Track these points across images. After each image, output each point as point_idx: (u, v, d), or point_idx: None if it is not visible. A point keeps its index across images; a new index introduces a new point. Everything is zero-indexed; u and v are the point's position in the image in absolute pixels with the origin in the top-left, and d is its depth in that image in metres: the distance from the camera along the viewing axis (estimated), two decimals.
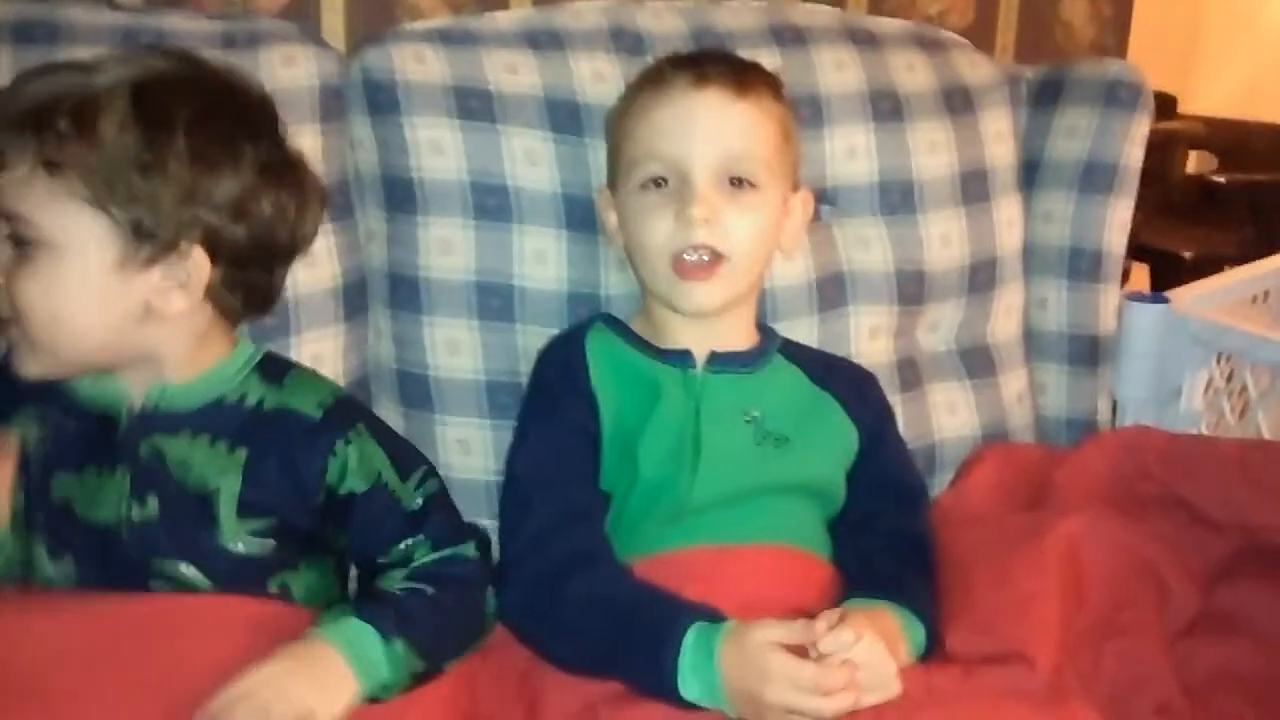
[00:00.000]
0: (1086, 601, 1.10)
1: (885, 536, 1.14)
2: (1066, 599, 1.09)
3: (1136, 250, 2.57)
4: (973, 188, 1.39)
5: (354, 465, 1.02)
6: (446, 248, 1.22)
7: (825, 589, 1.10)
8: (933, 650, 1.06)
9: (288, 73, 1.20)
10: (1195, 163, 3.48)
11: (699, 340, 1.16)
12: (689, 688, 0.96)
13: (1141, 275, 2.92)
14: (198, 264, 0.98)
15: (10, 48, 1.14)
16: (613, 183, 1.20)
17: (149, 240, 0.96)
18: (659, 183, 1.13)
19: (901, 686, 0.96)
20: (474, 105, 1.23)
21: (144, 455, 0.99)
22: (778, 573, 1.09)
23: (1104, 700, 1.04)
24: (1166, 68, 2.98)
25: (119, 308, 0.97)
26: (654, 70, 1.18)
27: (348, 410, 1.07)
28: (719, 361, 1.16)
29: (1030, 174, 1.46)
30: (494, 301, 1.23)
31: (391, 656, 0.95)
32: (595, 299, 1.25)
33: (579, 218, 1.25)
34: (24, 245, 0.95)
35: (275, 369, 1.06)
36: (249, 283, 1.03)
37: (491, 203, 1.23)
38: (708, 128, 1.12)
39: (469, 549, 1.06)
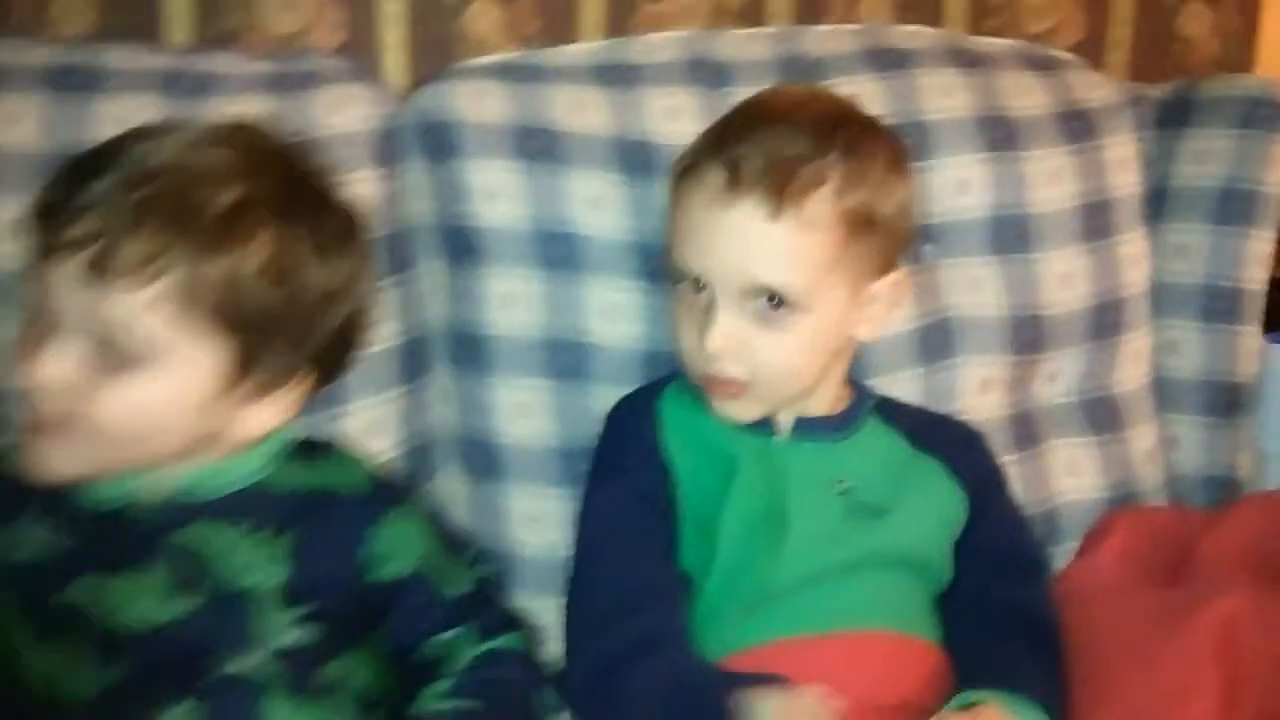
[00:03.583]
0: (1247, 695, 0.96)
1: (998, 614, 1.02)
2: (1225, 692, 0.95)
3: None
4: (1095, 221, 1.26)
5: (401, 543, 0.95)
6: (511, 301, 1.12)
7: (933, 676, 0.98)
8: None
9: (339, 116, 1.11)
10: None
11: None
12: None
13: None
14: (304, 387, 0.92)
15: (49, 95, 1.05)
16: None
17: (264, 371, 0.89)
18: (696, 285, 1.01)
19: None
20: (536, 146, 1.12)
21: (179, 549, 0.90)
22: (877, 662, 0.97)
23: None
24: None
25: (206, 424, 0.89)
26: (695, 149, 1.03)
27: (392, 486, 1.00)
28: (804, 428, 1.05)
29: (1157, 204, 1.32)
30: (565, 360, 1.13)
31: None
32: (673, 355, 1.13)
33: (654, 268, 1.13)
34: (118, 355, 0.84)
35: (308, 449, 0.97)
36: (333, 377, 0.97)
37: (557, 252, 1.12)
38: (733, 251, 0.97)
39: (516, 640, 0.97)
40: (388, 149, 1.13)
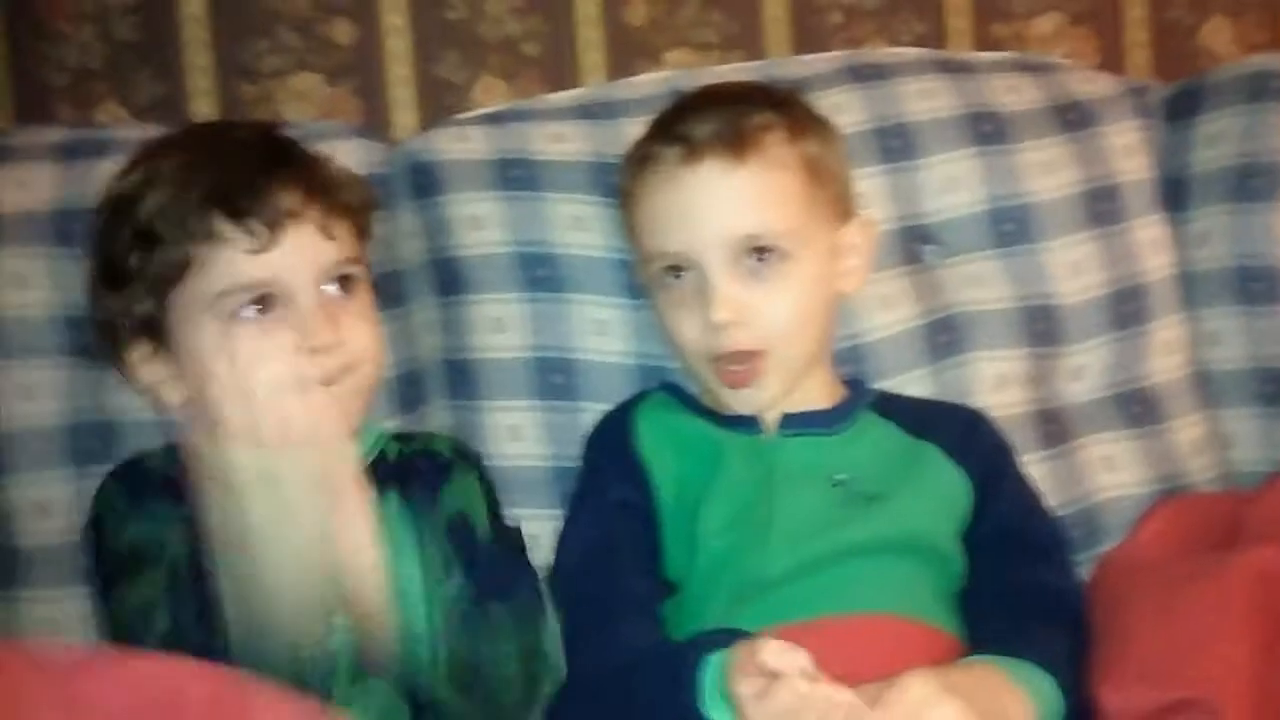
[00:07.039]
0: None
1: (1005, 591, 0.96)
2: (1261, 634, 0.87)
3: None
4: (1102, 207, 1.21)
5: (456, 489, 0.99)
6: (498, 325, 1.13)
7: (941, 662, 0.91)
8: (1082, 714, 0.87)
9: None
10: None
11: None
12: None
13: None
14: None
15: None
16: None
17: None
18: (677, 272, 1.01)
19: None
20: (515, 174, 1.16)
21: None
22: (876, 646, 0.92)
23: None
24: None
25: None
26: (641, 144, 1.05)
27: (473, 452, 1.07)
28: (794, 423, 1.02)
29: (1178, 196, 1.26)
30: (555, 379, 1.13)
31: None
32: (664, 370, 1.12)
33: (639, 283, 1.13)
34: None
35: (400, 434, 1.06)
36: None
37: (541, 273, 1.14)
38: (709, 211, 0.99)
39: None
40: (382, 195, 1.17)
